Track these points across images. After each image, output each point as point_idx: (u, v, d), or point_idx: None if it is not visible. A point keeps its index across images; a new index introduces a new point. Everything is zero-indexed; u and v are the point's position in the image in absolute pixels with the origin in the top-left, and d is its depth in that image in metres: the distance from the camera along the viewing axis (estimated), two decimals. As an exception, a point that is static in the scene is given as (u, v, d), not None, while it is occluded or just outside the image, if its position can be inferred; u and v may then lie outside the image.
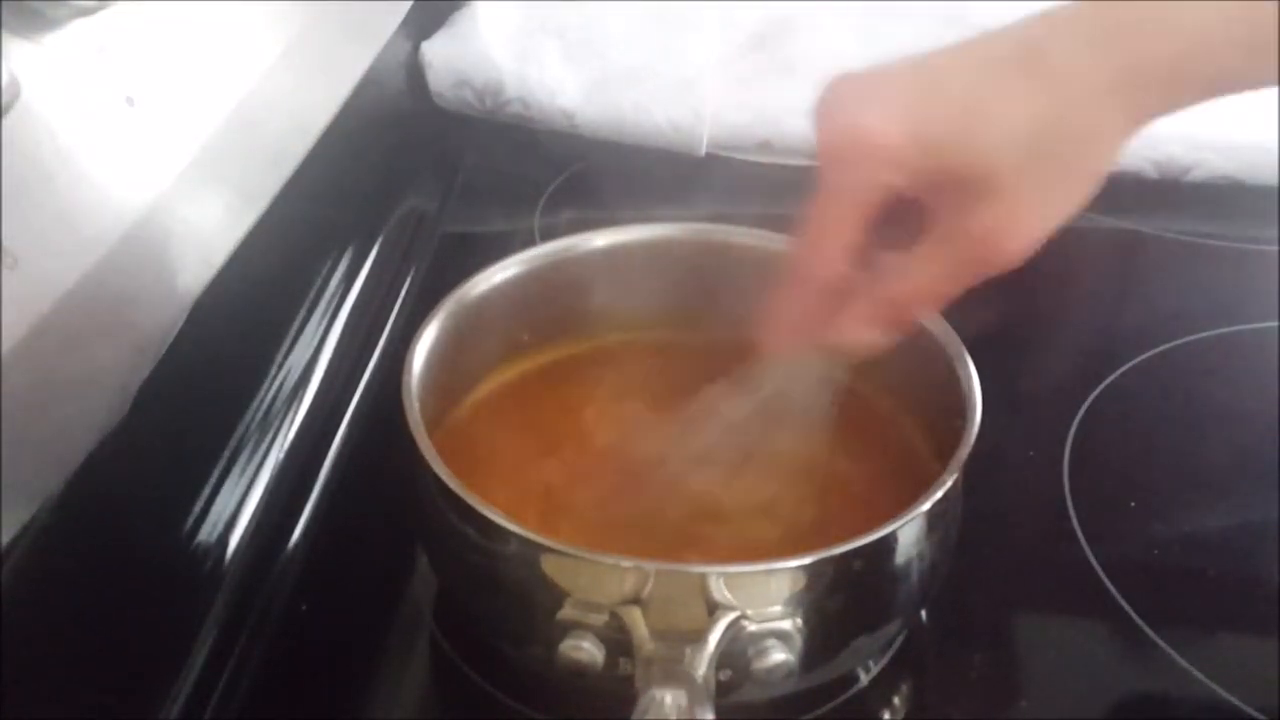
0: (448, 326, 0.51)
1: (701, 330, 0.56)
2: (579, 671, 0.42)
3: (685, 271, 0.56)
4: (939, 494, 0.43)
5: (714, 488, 0.50)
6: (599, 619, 0.41)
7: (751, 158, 0.81)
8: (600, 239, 0.56)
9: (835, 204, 0.41)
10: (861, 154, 0.39)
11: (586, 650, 0.42)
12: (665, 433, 0.51)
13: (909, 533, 0.43)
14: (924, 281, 0.41)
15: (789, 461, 0.49)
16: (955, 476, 0.43)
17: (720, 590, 0.40)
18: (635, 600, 0.41)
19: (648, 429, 0.52)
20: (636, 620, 0.41)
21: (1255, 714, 0.47)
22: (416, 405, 0.46)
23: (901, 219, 0.41)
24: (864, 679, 0.48)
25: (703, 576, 0.41)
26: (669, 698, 0.38)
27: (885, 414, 0.52)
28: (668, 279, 0.56)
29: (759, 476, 0.50)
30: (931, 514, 0.43)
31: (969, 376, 0.47)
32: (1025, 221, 0.39)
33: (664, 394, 0.53)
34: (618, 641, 0.41)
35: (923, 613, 0.50)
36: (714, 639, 0.40)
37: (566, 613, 0.42)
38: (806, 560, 0.41)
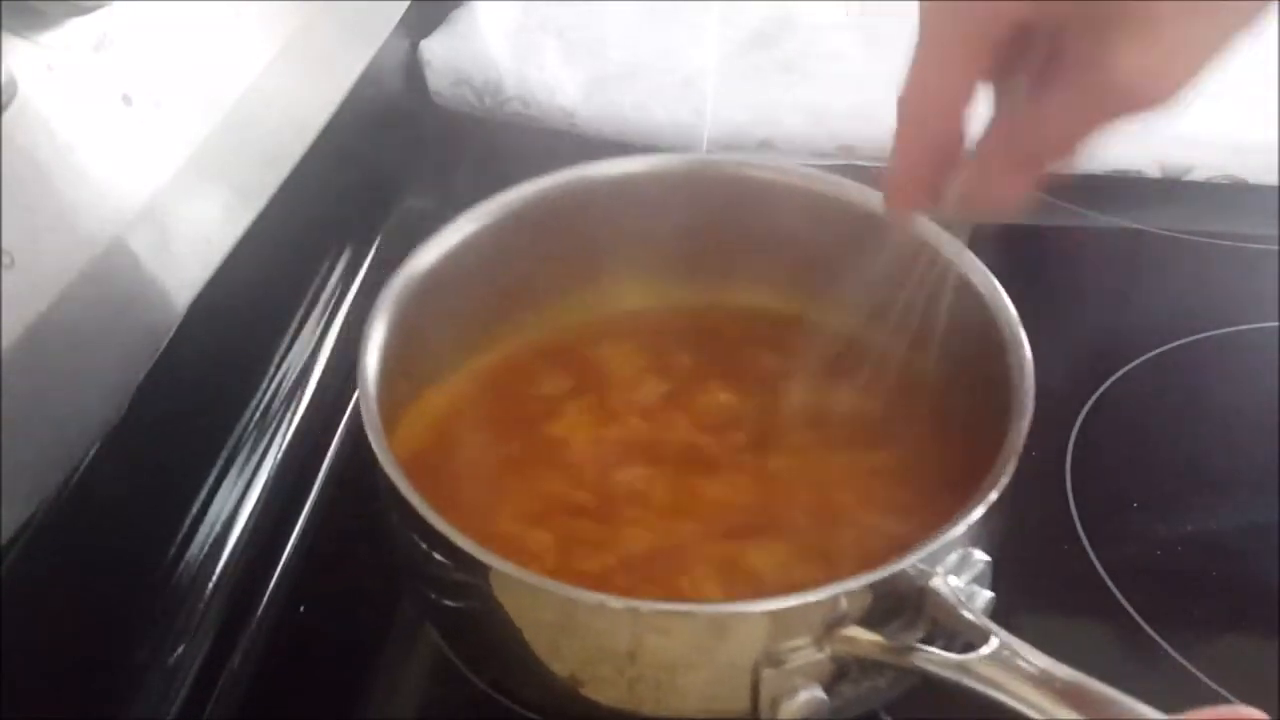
0: (403, 309, 0.44)
1: (724, 292, 0.48)
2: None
3: (702, 218, 0.47)
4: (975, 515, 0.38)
5: (730, 492, 0.45)
6: (814, 655, 0.37)
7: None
8: (592, 173, 0.47)
9: (949, 45, 0.36)
10: None
11: (805, 693, 0.37)
12: (679, 421, 0.45)
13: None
14: (1061, 128, 0.36)
15: (804, 471, 0.45)
16: (1002, 485, 0.39)
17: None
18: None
19: (658, 415, 0.46)
20: (859, 636, 0.37)
21: (1258, 716, 0.47)
22: (376, 408, 0.41)
23: (1022, 53, 0.36)
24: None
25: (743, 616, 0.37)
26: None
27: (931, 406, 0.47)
28: (681, 227, 0.47)
29: (778, 487, 0.45)
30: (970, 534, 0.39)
31: (1022, 368, 0.43)
32: (1177, 58, 0.34)
33: (678, 371, 0.46)
34: (838, 669, 0.38)
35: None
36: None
37: (772, 669, 0.37)
38: (825, 594, 0.37)
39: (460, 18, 0.83)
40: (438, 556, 0.39)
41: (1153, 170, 0.77)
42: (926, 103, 0.37)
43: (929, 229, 0.43)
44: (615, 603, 0.36)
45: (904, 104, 0.37)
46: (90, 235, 0.40)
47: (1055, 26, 0.34)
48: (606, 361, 0.49)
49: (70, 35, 0.41)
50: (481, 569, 0.37)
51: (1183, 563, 0.54)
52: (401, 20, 0.73)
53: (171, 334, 0.44)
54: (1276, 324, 0.66)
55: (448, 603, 0.42)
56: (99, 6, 0.41)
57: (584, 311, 0.50)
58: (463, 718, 0.48)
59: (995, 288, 0.45)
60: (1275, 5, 0.34)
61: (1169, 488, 0.57)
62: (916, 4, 0.37)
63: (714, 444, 0.45)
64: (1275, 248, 0.72)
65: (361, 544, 0.54)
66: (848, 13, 0.86)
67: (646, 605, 0.36)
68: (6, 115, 0.36)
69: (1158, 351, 0.64)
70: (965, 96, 0.37)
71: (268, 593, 0.52)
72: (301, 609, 0.51)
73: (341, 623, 0.51)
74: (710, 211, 0.47)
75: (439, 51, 0.81)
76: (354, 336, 0.64)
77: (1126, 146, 0.76)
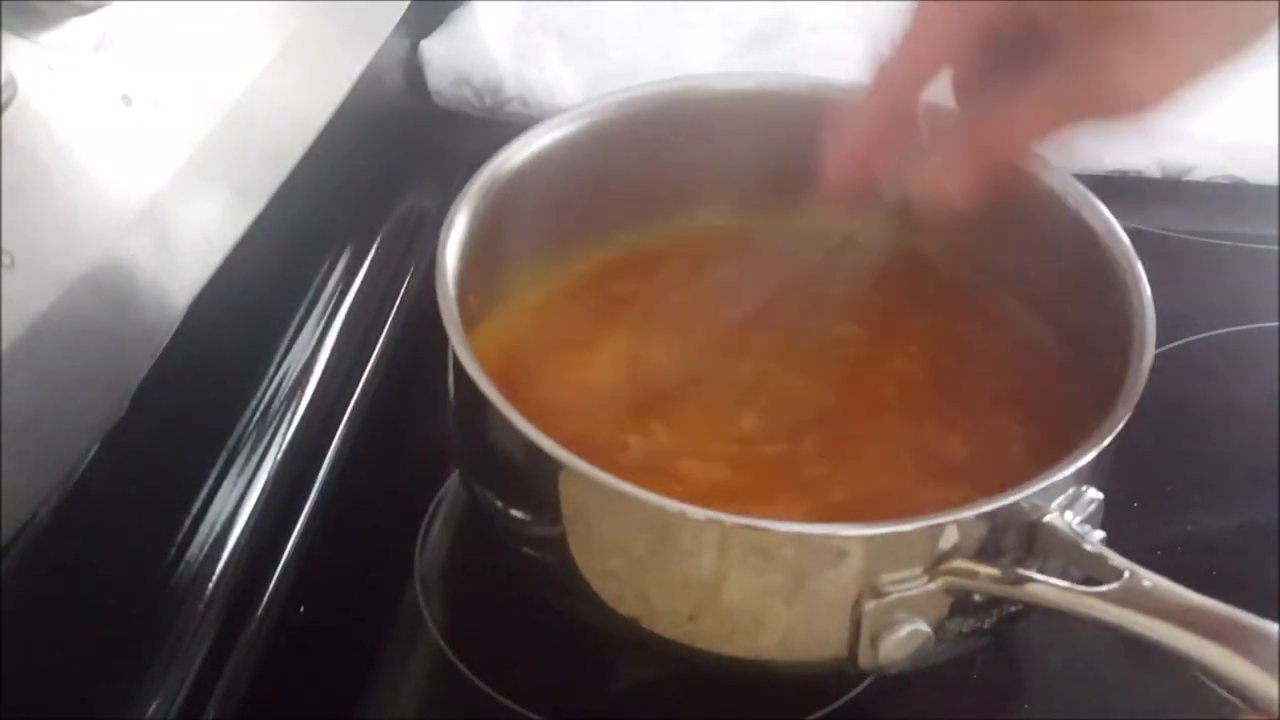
0: (484, 210, 0.42)
1: (821, 217, 0.44)
2: (909, 657, 0.35)
3: (803, 140, 0.43)
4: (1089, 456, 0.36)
5: (818, 418, 0.42)
6: (923, 586, 0.34)
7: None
8: (692, 84, 0.45)
9: (937, 20, 0.35)
10: None
11: (909, 626, 0.35)
12: (761, 339, 0.43)
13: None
14: (1027, 120, 0.35)
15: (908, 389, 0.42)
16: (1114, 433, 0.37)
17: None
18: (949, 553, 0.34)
19: (742, 336, 0.44)
20: (974, 568, 0.35)
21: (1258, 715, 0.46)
22: (455, 306, 0.38)
23: (1001, 45, 0.35)
24: (864, 679, 0.48)
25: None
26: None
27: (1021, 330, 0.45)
28: (778, 149, 0.45)
29: (866, 415, 0.43)
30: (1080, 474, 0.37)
31: (1143, 306, 0.41)
32: (1170, 65, 0.32)
33: (765, 293, 0.44)
34: (946, 604, 0.35)
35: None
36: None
37: (873, 601, 0.34)
38: (937, 520, 0.35)
39: (460, 18, 0.83)
40: (514, 458, 0.37)
41: (1153, 170, 0.77)
42: (901, 74, 0.36)
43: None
44: (698, 513, 0.33)
45: (878, 73, 0.37)
46: (90, 235, 0.40)
47: (1050, 20, 0.34)
48: (690, 278, 0.47)
49: (70, 35, 0.41)
50: (554, 466, 0.35)
51: (1183, 562, 0.54)
52: (401, 20, 0.73)
53: (171, 334, 0.44)
54: (1276, 324, 0.66)
55: (523, 537, 0.39)
56: (99, 6, 0.41)
57: (670, 226, 0.48)
58: (463, 718, 0.48)
59: (1108, 220, 0.43)
60: (1276, 29, 0.33)
61: (1169, 488, 0.57)
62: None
63: (802, 371, 0.44)
64: (1275, 248, 0.72)
65: (361, 544, 0.55)
66: (848, 13, 0.86)
67: (732, 519, 0.33)
68: (6, 115, 0.36)
69: (1157, 351, 0.64)
70: (933, 74, 0.36)
71: (268, 593, 0.52)
72: (301, 609, 0.51)
73: (341, 623, 0.51)
74: (813, 134, 0.44)
75: (439, 51, 0.81)
76: (354, 338, 0.65)
77: (1126, 146, 0.76)
